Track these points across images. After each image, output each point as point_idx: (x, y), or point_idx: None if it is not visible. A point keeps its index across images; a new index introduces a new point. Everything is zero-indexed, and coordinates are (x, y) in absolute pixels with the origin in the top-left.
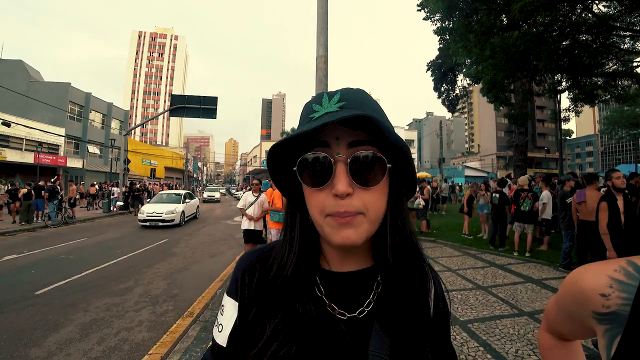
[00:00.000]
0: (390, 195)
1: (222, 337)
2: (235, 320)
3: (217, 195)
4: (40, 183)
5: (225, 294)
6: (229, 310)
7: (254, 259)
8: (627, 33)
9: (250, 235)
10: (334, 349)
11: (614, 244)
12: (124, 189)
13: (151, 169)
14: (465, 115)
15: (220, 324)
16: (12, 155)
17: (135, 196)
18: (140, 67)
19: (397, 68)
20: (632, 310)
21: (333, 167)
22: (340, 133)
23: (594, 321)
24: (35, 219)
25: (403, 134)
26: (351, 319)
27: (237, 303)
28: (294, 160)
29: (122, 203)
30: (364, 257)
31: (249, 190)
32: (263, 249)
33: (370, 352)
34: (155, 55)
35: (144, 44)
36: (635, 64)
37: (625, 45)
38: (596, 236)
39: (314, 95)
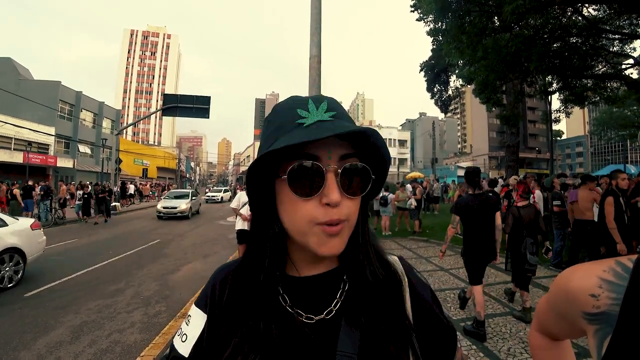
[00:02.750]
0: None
1: (185, 348)
2: (202, 333)
3: (182, 205)
4: (30, 183)
5: (194, 305)
6: (196, 322)
7: (225, 273)
8: (616, 36)
9: (244, 236)
10: (300, 354)
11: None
12: (81, 191)
13: (143, 169)
14: (458, 115)
15: (185, 334)
16: (0, 155)
17: (100, 199)
18: (132, 65)
19: (391, 68)
20: (621, 310)
21: (325, 177)
22: (332, 145)
23: (584, 321)
24: None
25: (396, 134)
26: (319, 321)
27: (206, 316)
28: (272, 169)
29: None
30: (331, 260)
31: (243, 190)
32: (235, 262)
33: (338, 352)
34: (148, 54)
35: (136, 43)
36: (624, 66)
37: (615, 48)
38: (590, 234)
39: (292, 96)
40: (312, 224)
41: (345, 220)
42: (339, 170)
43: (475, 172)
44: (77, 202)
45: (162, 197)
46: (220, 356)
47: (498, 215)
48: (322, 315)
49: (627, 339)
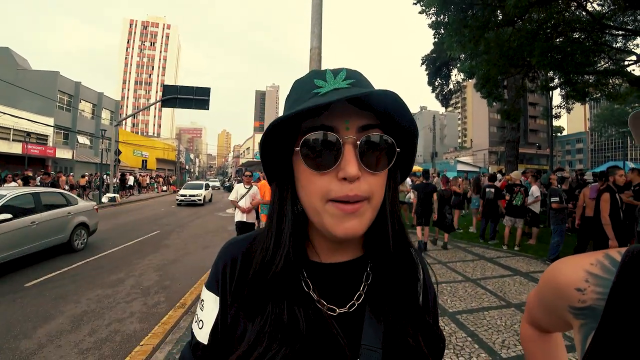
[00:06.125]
0: (388, 181)
1: (203, 334)
2: (217, 315)
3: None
4: (29, 173)
5: (204, 288)
6: (210, 305)
7: (237, 251)
8: (620, 32)
9: (243, 228)
10: (325, 348)
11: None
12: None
13: (143, 161)
14: (459, 110)
15: (201, 320)
16: None
17: None
18: (132, 56)
19: (392, 61)
20: (607, 305)
21: (342, 149)
22: (350, 115)
23: (570, 315)
24: None
25: None
26: (342, 314)
27: (219, 297)
28: (289, 143)
29: None
30: (355, 246)
31: (241, 183)
32: (246, 239)
33: (363, 345)
34: (147, 44)
35: (135, 33)
36: (626, 62)
37: (618, 44)
38: (602, 231)
39: (313, 70)
40: (325, 201)
41: (365, 197)
42: (358, 142)
43: (427, 171)
44: None
45: None
46: (238, 343)
47: (435, 195)
48: (345, 309)
49: (609, 336)
